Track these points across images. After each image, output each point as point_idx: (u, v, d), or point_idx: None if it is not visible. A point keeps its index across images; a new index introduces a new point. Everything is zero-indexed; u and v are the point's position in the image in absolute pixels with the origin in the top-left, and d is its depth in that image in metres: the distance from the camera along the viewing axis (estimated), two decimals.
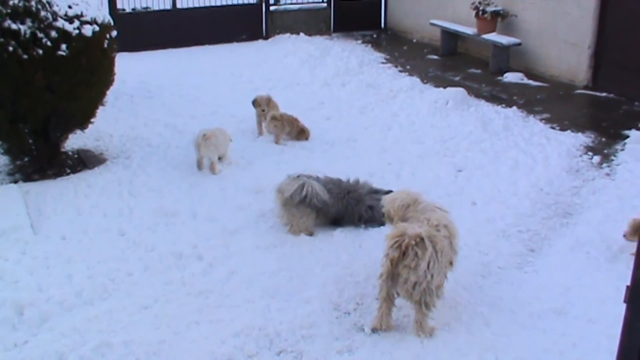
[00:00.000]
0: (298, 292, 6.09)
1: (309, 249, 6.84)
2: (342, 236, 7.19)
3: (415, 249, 5.21)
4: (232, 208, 7.81)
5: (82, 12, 8.37)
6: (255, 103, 10.36)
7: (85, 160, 9.32)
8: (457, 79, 13.32)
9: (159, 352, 5.30)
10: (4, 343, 5.43)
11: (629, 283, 3.06)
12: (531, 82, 12.82)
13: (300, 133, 10.02)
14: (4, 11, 7.84)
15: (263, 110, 10.20)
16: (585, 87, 12.30)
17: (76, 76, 8.36)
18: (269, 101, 10.34)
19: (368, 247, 6.90)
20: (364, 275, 6.32)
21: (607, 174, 8.63)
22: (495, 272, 6.50)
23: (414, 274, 5.23)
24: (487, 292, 6.15)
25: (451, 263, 5.66)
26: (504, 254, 6.84)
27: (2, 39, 7.79)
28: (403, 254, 5.23)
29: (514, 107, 11.14)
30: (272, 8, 17.56)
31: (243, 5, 17.38)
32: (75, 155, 9.50)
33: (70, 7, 8.28)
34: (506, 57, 13.55)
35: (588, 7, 12.03)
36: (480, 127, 10.18)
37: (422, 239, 5.23)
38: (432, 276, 5.27)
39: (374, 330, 5.51)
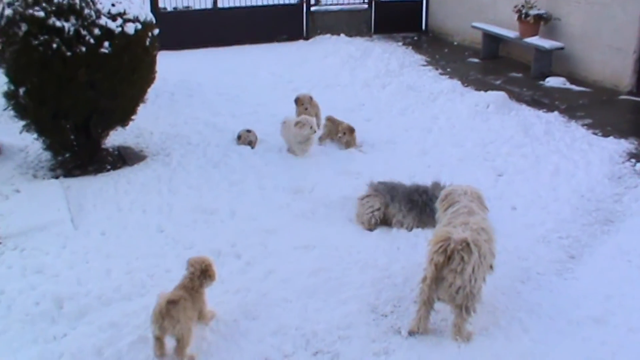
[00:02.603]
0: (336, 292, 6.08)
1: (347, 251, 6.81)
2: (380, 238, 7.17)
3: (461, 254, 5.17)
4: (271, 207, 7.83)
5: (124, 10, 8.45)
6: (297, 101, 10.41)
7: (125, 157, 9.42)
8: (498, 82, 13.21)
9: (196, 349, 5.30)
10: (43, 336, 5.52)
11: None
12: (574, 86, 12.65)
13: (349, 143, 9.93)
14: (49, 9, 7.94)
15: (306, 109, 10.23)
16: (630, 93, 12.10)
17: (118, 73, 8.44)
18: (311, 100, 10.38)
19: (406, 250, 6.87)
20: (401, 277, 6.29)
21: None
22: (534, 278, 6.41)
23: (459, 278, 5.19)
24: (525, 298, 6.06)
25: (491, 267, 5.60)
26: (543, 260, 6.75)
27: (46, 36, 7.89)
28: (448, 259, 5.19)
29: (556, 112, 11.01)
30: (312, 8, 17.59)
31: (284, 5, 17.44)
32: (116, 152, 9.61)
33: (113, 5, 8.37)
34: (548, 61, 13.39)
35: (633, 12, 11.84)
36: (521, 132, 10.07)
37: (467, 244, 5.19)
38: (475, 280, 5.23)
39: (411, 333, 5.48)
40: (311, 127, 9.11)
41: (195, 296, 5.37)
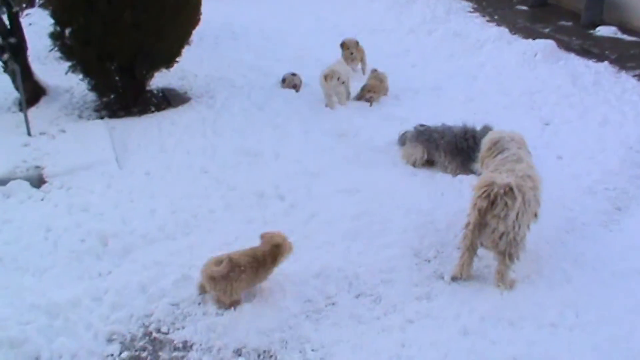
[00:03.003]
0: (378, 236, 6.09)
1: (390, 195, 6.79)
2: (424, 184, 7.15)
3: (504, 199, 5.13)
4: (315, 150, 7.82)
5: None
6: (343, 45, 10.36)
7: (169, 99, 9.45)
8: (546, 30, 12.89)
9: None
10: (89, 272, 5.63)
11: None
12: (625, 36, 12.27)
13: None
14: None
15: (352, 53, 10.18)
16: None
17: (163, 14, 8.41)
18: (357, 44, 10.30)
19: (450, 196, 6.84)
20: (445, 223, 6.27)
21: None
22: (579, 228, 6.34)
23: (502, 224, 5.16)
24: (570, 247, 6.00)
25: (535, 215, 5.52)
26: (589, 211, 6.66)
27: None
28: (492, 204, 5.15)
29: (606, 62, 10.71)
30: None
31: None
32: (160, 94, 9.64)
33: None
34: (600, 10, 12.99)
35: None
36: (569, 81, 9.87)
37: (511, 189, 5.13)
38: (519, 227, 5.19)
39: (453, 278, 5.47)
40: (339, 79, 8.99)
41: (261, 267, 5.23)
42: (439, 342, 4.82)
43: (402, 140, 7.85)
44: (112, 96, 9.10)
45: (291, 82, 9.76)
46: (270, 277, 5.36)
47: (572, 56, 11.06)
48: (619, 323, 5.01)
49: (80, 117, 8.83)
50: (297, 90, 9.70)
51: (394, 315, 5.14)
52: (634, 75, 10.18)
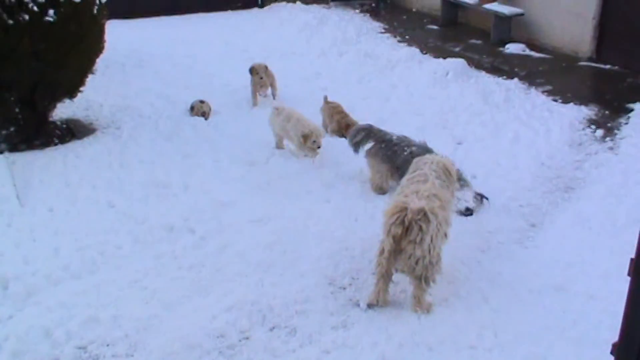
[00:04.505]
0: (292, 266, 5.96)
1: (303, 223, 6.68)
2: (337, 209, 7.04)
3: (419, 223, 5.06)
4: (225, 180, 7.65)
5: None
6: (252, 71, 10.18)
7: (74, 130, 9.16)
8: (457, 49, 13.03)
9: (149, 327, 5.17)
10: None
11: (633, 255, 2.86)
12: (533, 53, 12.51)
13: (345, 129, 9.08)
14: None
15: (261, 78, 10.05)
16: (589, 59, 11.99)
17: (64, 43, 8.15)
18: (266, 69, 10.17)
19: (364, 221, 6.76)
20: (359, 249, 6.18)
21: (611, 148, 8.35)
22: (494, 247, 6.34)
23: (419, 249, 5.09)
24: (486, 267, 5.99)
25: (445, 235, 5.46)
26: (504, 229, 6.67)
27: None
28: (406, 230, 5.07)
29: (516, 79, 10.86)
30: None
31: None
32: (64, 125, 9.31)
33: None
34: (508, 28, 13.23)
35: None
36: (481, 99, 9.95)
37: (425, 214, 5.06)
38: (434, 249, 5.15)
39: (370, 305, 5.37)
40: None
41: None
42: None
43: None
44: (11, 129, 8.69)
45: (200, 110, 9.58)
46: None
47: (483, 74, 11.18)
48: (536, 341, 5.01)
49: None
50: (206, 118, 9.53)
51: (310, 347, 4.99)
52: (543, 91, 10.33)
